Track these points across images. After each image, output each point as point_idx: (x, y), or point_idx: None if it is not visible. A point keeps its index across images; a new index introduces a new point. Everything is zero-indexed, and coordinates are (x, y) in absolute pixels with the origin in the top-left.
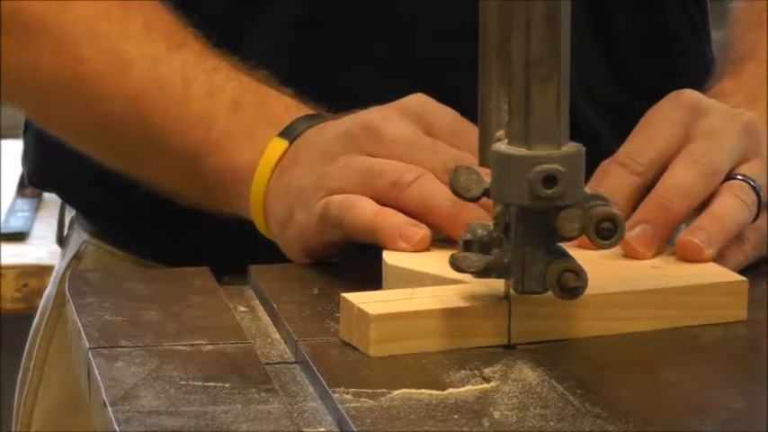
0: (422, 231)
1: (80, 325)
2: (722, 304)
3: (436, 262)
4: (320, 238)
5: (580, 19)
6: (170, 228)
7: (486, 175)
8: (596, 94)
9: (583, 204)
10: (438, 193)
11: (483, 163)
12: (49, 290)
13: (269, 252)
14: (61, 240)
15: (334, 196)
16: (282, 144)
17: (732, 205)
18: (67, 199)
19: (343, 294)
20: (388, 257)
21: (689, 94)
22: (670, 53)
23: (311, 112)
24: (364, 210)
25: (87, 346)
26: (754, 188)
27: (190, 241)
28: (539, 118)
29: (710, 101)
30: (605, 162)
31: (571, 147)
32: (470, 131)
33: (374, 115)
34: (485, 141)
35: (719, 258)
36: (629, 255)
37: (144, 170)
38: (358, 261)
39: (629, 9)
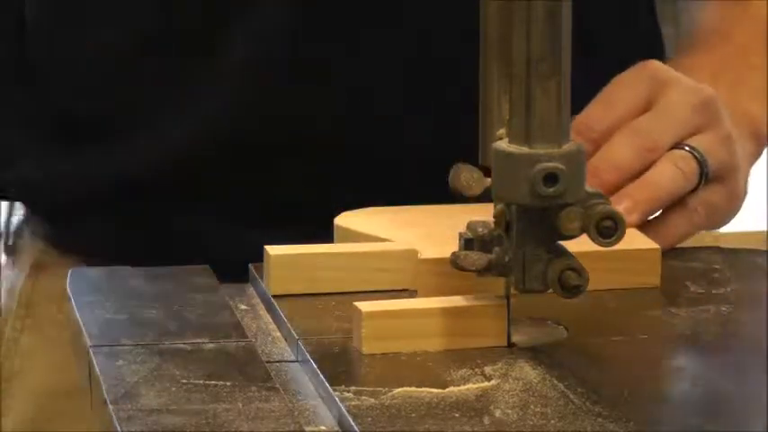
0: None
1: (81, 323)
2: (635, 270)
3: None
4: None
5: None
6: (154, 234)
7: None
8: None
9: (584, 203)
10: None
11: (484, 161)
12: (5, 302)
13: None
14: (7, 249)
15: None
16: None
17: (666, 173)
18: (33, 207)
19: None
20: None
21: (654, 66)
22: (639, 27)
23: None
24: None
25: (88, 344)
26: (696, 158)
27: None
28: (539, 116)
29: (676, 74)
30: None
31: (572, 145)
32: None
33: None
34: (486, 140)
35: (663, 226)
36: None
37: None
38: None
39: None
